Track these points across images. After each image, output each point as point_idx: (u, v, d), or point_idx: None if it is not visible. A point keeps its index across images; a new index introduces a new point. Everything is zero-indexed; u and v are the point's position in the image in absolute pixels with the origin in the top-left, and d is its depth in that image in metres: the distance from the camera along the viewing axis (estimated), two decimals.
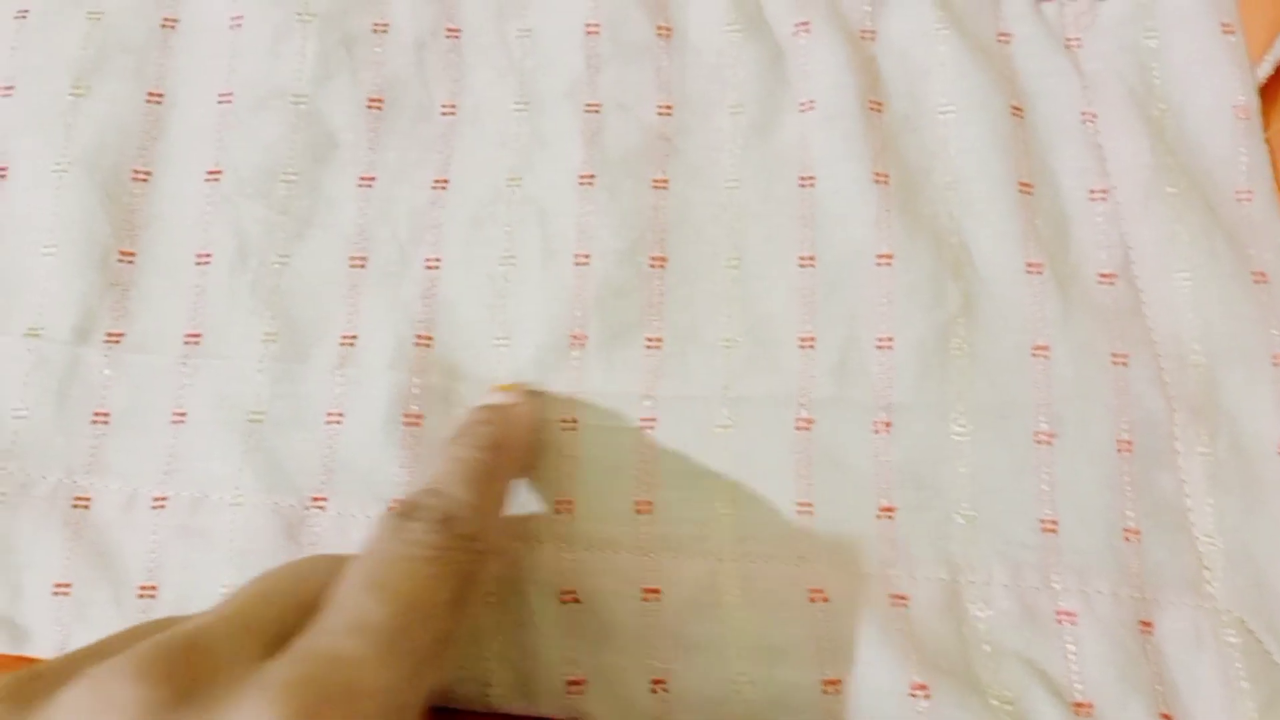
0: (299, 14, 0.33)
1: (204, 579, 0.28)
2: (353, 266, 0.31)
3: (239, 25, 0.33)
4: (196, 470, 0.29)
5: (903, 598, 0.27)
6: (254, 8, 0.33)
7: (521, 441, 0.29)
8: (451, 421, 0.29)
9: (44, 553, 0.28)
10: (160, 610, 0.28)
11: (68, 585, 0.28)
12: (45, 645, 0.28)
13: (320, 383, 0.30)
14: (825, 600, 0.27)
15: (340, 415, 0.29)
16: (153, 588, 0.28)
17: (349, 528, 0.28)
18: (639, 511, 0.28)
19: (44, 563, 0.28)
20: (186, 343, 0.30)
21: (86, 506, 0.29)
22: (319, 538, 0.28)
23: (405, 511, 0.23)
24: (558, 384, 0.29)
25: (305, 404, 0.29)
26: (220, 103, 0.32)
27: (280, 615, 0.21)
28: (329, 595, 0.21)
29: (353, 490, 0.29)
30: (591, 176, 0.31)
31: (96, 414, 0.30)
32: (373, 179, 0.32)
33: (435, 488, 0.25)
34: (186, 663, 0.19)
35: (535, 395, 0.30)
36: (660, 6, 0.33)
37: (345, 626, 0.20)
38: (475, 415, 0.28)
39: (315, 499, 0.29)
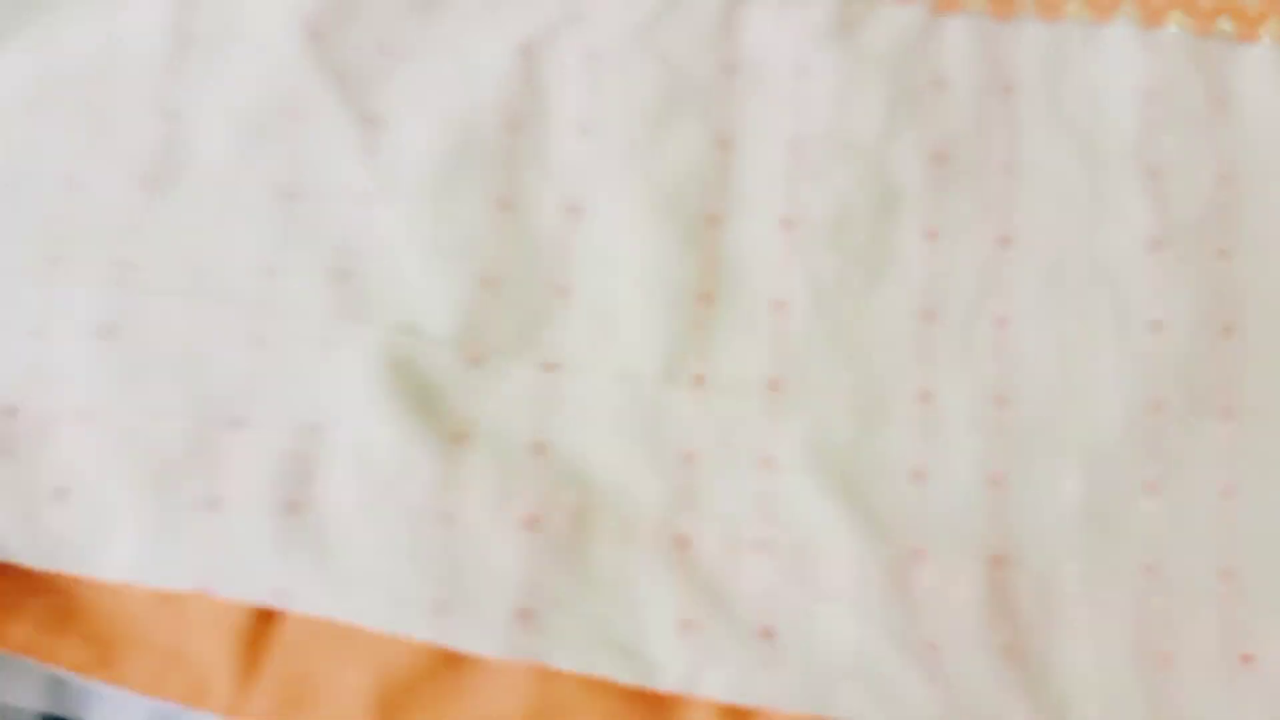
0: (859, 64, 0.33)
1: (823, 626, 0.29)
2: (922, 320, 0.31)
3: (804, 73, 0.33)
4: (794, 515, 0.30)
5: None
6: (818, 58, 0.33)
7: None
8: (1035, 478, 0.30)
9: (661, 589, 0.29)
10: (784, 654, 0.29)
11: (691, 622, 0.29)
12: (672, 679, 0.28)
13: (900, 439, 0.30)
14: None
15: (924, 473, 0.30)
16: (770, 631, 0.29)
17: (952, 582, 0.29)
18: None
19: (662, 599, 0.29)
20: (770, 388, 0.31)
21: (689, 545, 0.30)
22: (927, 592, 0.29)
23: None
24: (1136, 450, 0.30)
25: (887, 459, 0.30)
26: (788, 150, 0.32)
27: None
28: None
29: (951, 544, 0.29)
30: (1159, 241, 0.31)
31: (685, 453, 0.30)
32: (937, 232, 0.32)
33: None
34: None
35: None
36: (1215, 74, 0.33)
37: None
38: None
39: (916, 550, 0.29)
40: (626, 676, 0.29)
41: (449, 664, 0.29)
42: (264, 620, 0.30)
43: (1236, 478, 0.30)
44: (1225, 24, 0.33)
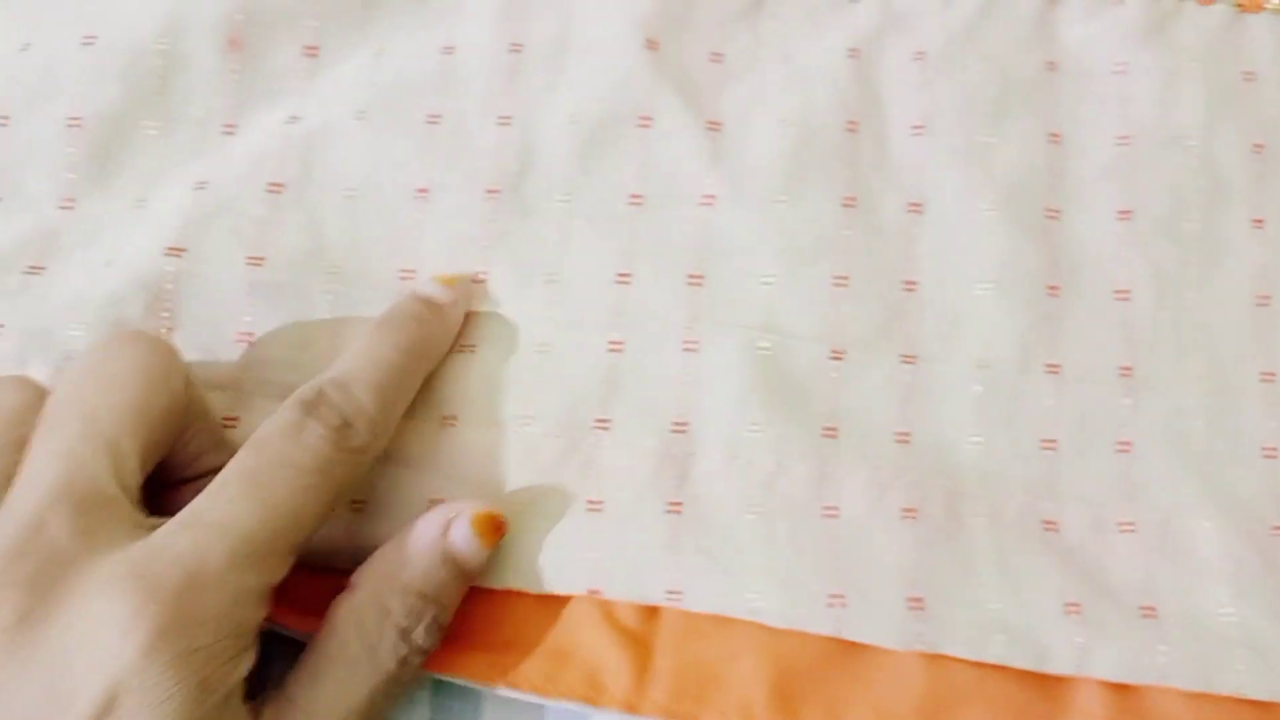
0: (1176, 60, 0.34)
1: (1201, 602, 0.30)
2: (1258, 304, 0.33)
3: (1124, 70, 0.34)
4: (1155, 496, 0.31)
5: None
6: (1136, 55, 0.34)
7: (444, 347, 0.29)
8: None
9: (1042, 573, 0.30)
10: (1169, 631, 0.30)
11: (1077, 604, 0.30)
12: (1064, 661, 0.29)
13: (1249, 418, 0.32)
14: None
15: (1275, 451, 0.31)
16: (1152, 609, 0.30)
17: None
18: None
19: (1045, 583, 0.30)
20: (1121, 374, 0.32)
21: (1055, 530, 0.31)
22: None
23: (310, 406, 0.25)
24: None
25: (1239, 438, 0.32)
26: (1117, 144, 0.34)
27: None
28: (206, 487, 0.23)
29: None
30: None
31: (1044, 441, 0.31)
32: (1264, 220, 0.33)
33: (344, 381, 0.26)
34: (34, 560, 0.21)
35: (469, 293, 0.30)
36: None
37: (212, 525, 0.22)
38: (409, 307, 0.29)
39: (1276, 527, 0.31)
40: (1019, 661, 0.29)
41: (842, 651, 0.29)
42: (647, 615, 0.30)
43: None
44: None
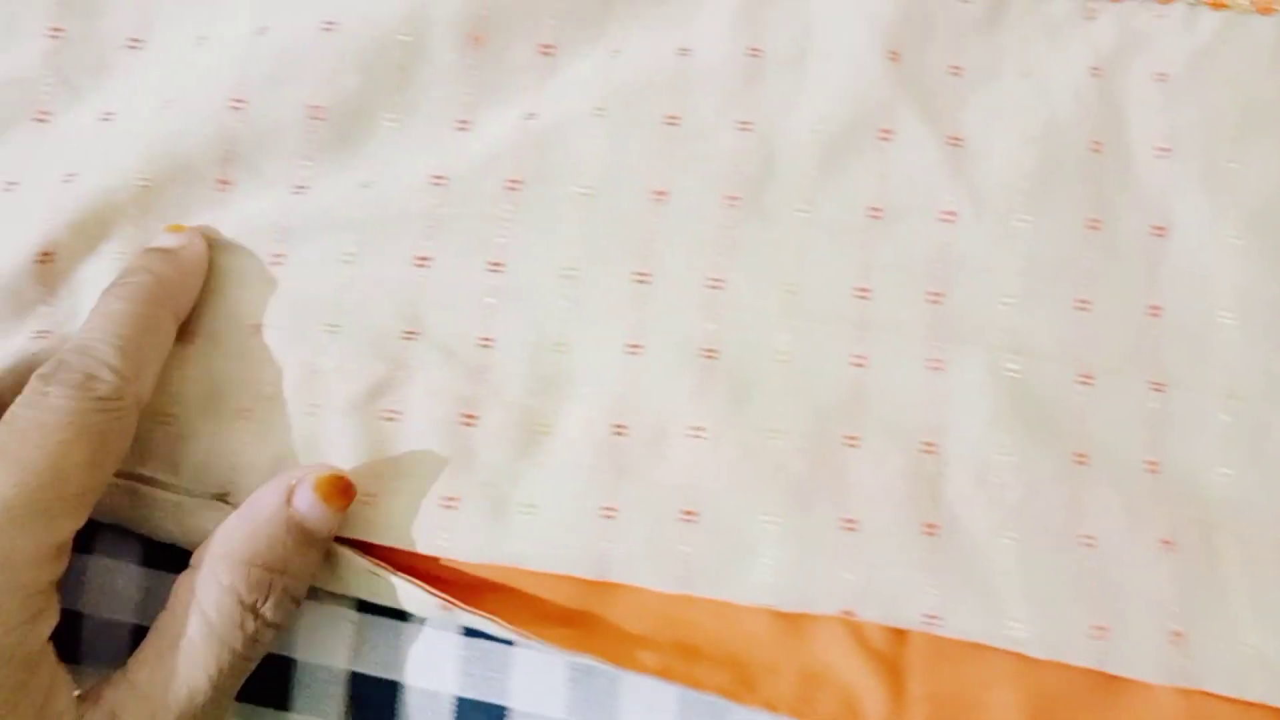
0: None
1: None
2: None
3: None
4: None
5: None
6: None
7: (188, 288, 0.29)
8: None
9: None
10: None
11: None
12: None
13: None
14: None
15: None
16: None
17: None
18: None
19: None
20: None
21: None
22: None
23: (47, 373, 0.24)
24: None
25: None
26: None
27: None
28: None
29: None
30: None
31: None
32: None
33: (83, 344, 0.25)
34: None
35: (205, 237, 0.30)
36: None
37: None
38: (137, 261, 0.28)
39: None
40: None
41: (1097, 684, 0.29)
42: (896, 639, 0.29)
43: None
44: None
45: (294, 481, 0.26)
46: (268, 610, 0.25)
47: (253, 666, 0.25)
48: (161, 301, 0.28)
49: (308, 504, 0.26)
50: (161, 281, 0.28)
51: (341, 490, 0.26)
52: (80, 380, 0.24)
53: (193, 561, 0.25)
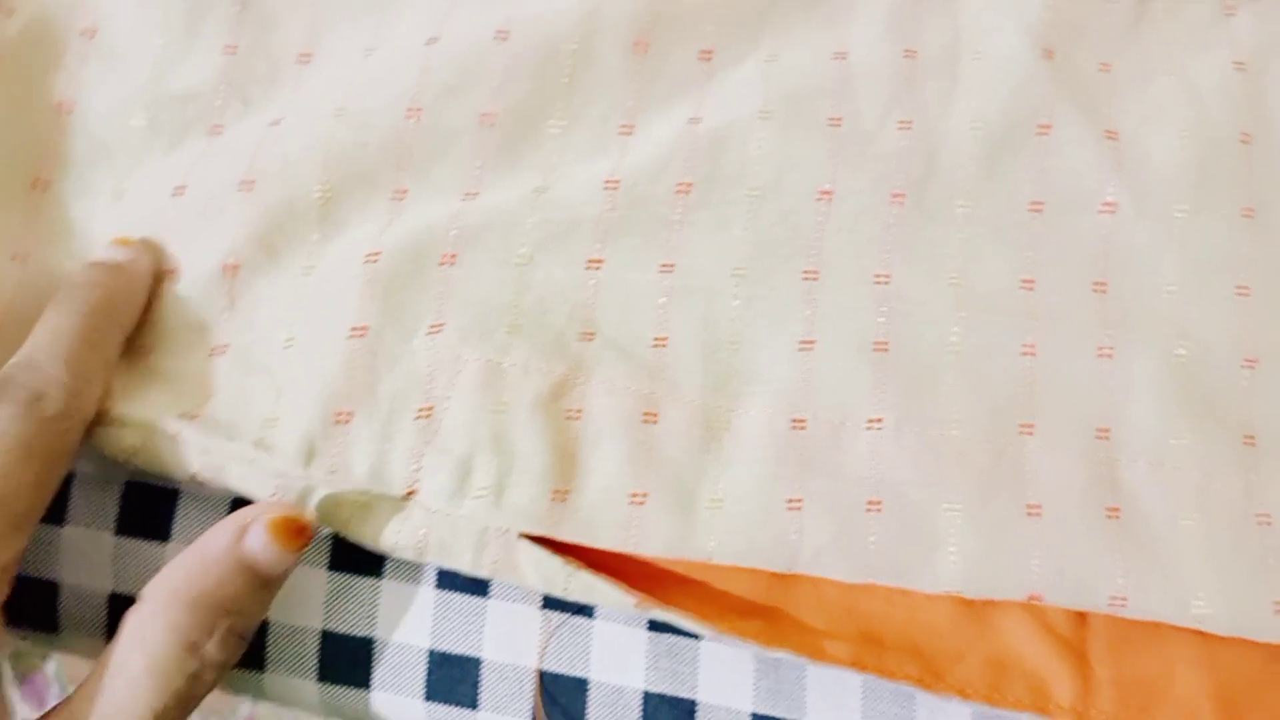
0: None
1: None
2: None
3: None
4: None
5: None
6: None
7: (134, 302, 0.29)
8: None
9: None
10: None
11: None
12: None
13: None
14: None
15: None
16: None
17: None
18: None
19: None
20: None
21: None
22: None
23: None
24: None
25: None
26: None
27: None
28: None
29: None
30: None
31: None
32: None
33: (29, 360, 0.25)
34: None
35: (152, 249, 0.30)
36: None
37: None
38: (83, 275, 0.28)
39: None
40: None
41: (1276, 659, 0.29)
42: (1078, 623, 0.30)
43: None
44: None
45: (247, 520, 0.25)
46: (211, 649, 0.24)
47: (197, 703, 0.24)
48: (109, 316, 0.28)
49: (260, 544, 0.25)
50: (109, 296, 0.28)
51: (296, 531, 0.26)
52: (28, 399, 0.24)
53: (141, 595, 0.25)
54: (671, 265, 0.31)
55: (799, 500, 0.29)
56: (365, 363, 0.29)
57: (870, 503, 0.29)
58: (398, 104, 0.32)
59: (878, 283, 0.32)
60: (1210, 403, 0.31)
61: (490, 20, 0.32)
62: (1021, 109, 0.33)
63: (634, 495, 0.29)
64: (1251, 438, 0.31)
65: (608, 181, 0.32)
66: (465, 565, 0.29)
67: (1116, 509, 0.30)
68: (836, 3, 0.34)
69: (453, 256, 0.31)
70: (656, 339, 0.31)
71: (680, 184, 0.32)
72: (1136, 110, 0.34)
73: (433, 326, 0.30)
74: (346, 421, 0.29)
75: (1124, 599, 0.29)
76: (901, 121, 0.33)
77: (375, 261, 0.30)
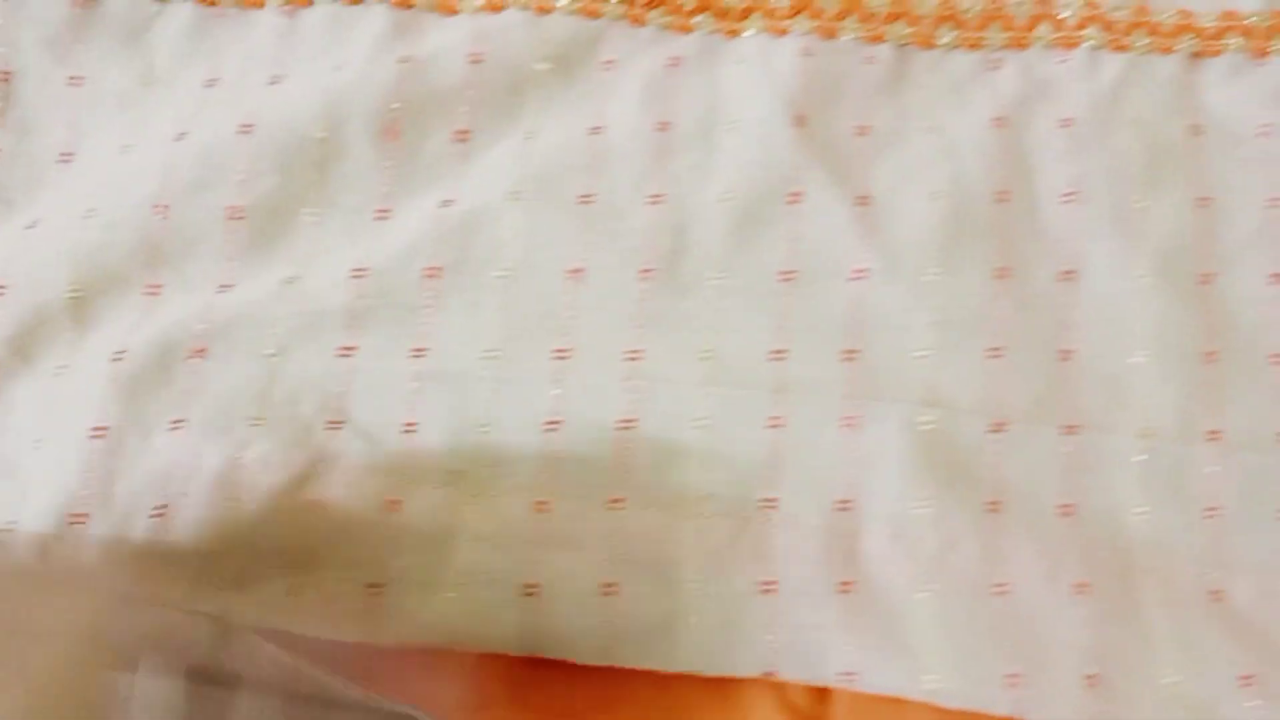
0: None
1: None
2: None
3: (1271, 133, 0.34)
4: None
5: None
6: None
7: None
8: None
9: (1215, 646, 0.30)
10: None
11: (1250, 676, 0.29)
12: None
13: None
14: None
15: None
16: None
17: None
18: None
19: (1219, 655, 0.30)
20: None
21: (1223, 600, 0.30)
22: None
23: None
24: None
25: None
26: (1266, 207, 0.33)
27: None
28: None
29: None
30: None
31: (1209, 509, 0.31)
32: None
33: None
34: None
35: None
36: None
37: None
38: None
39: None
40: None
41: None
42: (819, 697, 0.30)
43: None
44: None
45: None
46: None
47: None
48: None
49: None
50: None
51: None
52: None
53: None
54: (424, 350, 0.32)
55: (536, 585, 0.30)
56: (103, 464, 0.30)
57: (606, 585, 0.30)
58: (145, 202, 0.32)
59: (628, 359, 0.32)
60: (955, 469, 0.31)
61: (235, 115, 0.33)
62: (772, 179, 0.33)
63: (371, 585, 0.30)
64: (997, 503, 0.31)
65: (355, 270, 0.32)
66: (205, 656, 0.29)
67: (850, 583, 0.30)
68: (596, 75, 0.35)
69: (202, 351, 0.31)
70: (406, 425, 0.31)
71: (429, 269, 0.32)
72: (891, 171, 0.34)
73: (174, 423, 0.31)
74: (82, 523, 0.30)
75: (854, 673, 0.29)
76: (653, 196, 0.33)
77: (121, 360, 0.31)
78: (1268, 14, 0.35)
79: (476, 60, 0.34)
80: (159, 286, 0.32)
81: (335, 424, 0.31)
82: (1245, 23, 0.35)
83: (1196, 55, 0.35)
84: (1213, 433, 0.32)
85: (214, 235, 0.32)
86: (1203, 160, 0.34)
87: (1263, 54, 0.35)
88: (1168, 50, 0.35)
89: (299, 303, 0.32)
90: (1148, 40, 0.35)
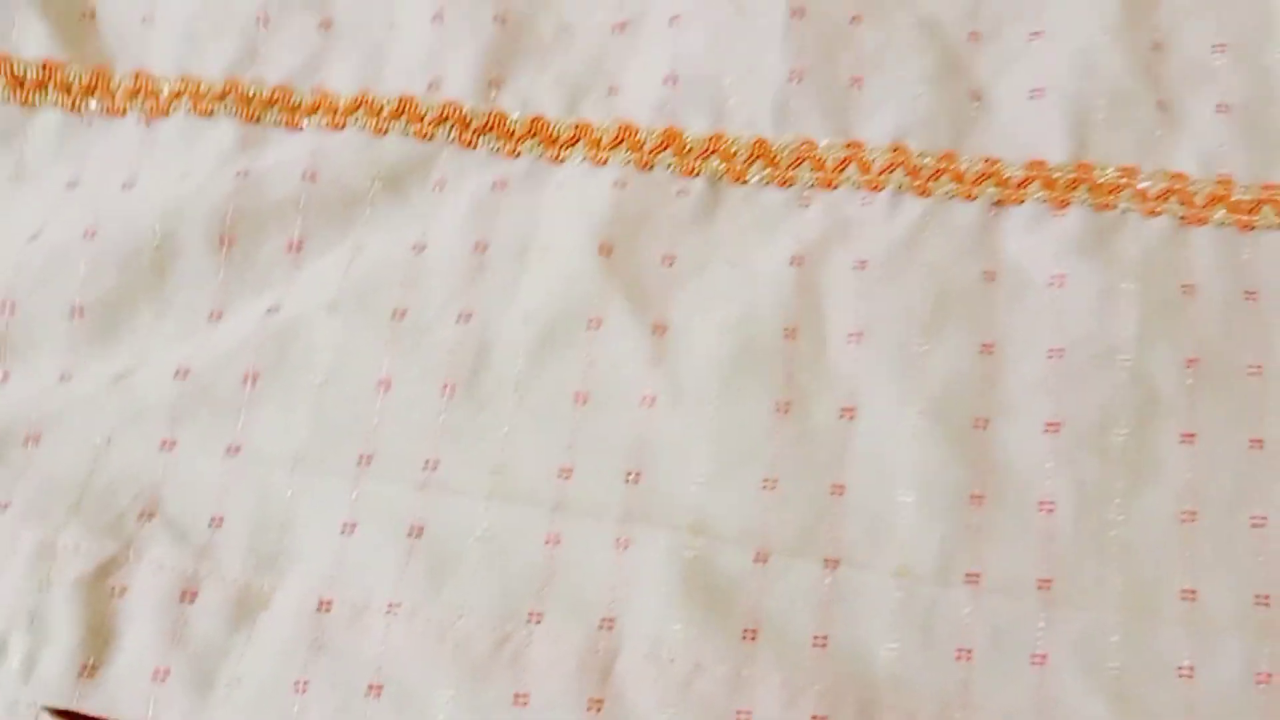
0: (1114, 273, 0.35)
1: None
2: (1182, 522, 0.33)
3: (1062, 281, 0.35)
4: (1067, 711, 0.31)
5: None
6: (1075, 267, 0.35)
7: None
8: None
9: None
10: None
11: None
12: None
13: (1168, 638, 0.32)
14: None
15: (1191, 670, 0.31)
16: None
17: None
18: None
19: None
20: (1039, 587, 0.32)
21: None
22: None
23: None
24: None
25: (1157, 657, 0.32)
26: (1049, 356, 0.34)
27: None
28: None
29: None
30: None
31: (959, 650, 0.32)
32: (1194, 436, 0.33)
33: None
34: None
35: None
36: None
37: None
38: None
39: None
40: None
41: None
42: None
43: None
44: None
45: None
46: None
47: None
48: None
49: None
50: None
51: None
52: None
53: None
54: (239, 448, 0.34)
55: (305, 681, 0.32)
56: None
57: (371, 686, 0.32)
58: None
59: (425, 469, 0.34)
60: (715, 596, 0.32)
61: (82, 219, 0.36)
62: (573, 303, 0.35)
63: (157, 671, 0.32)
64: (753, 632, 0.32)
65: (179, 369, 0.35)
66: None
67: (600, 700, 0.32)
68: (427, 195, 0.37)
69: (37, 437, 0.34)
70: (213, 518, 0.34)
71: (248, 372, 0.35)
72: (690, 301, 0.35)
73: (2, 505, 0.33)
74: None
75: None
76: (462, 313, 0.35)
77: None
78: (1071, 165, 0.36)
79: (312, 177, 0.36)
80: (7, 374, 0.35)
81: (149, 515, 0.34)
82: (1049, 174, 0.36)
83: (999, 203, 0.36)
84: (971, 575, 0.33)
85: (57, 329, 0.35)
86: (992, 307, 0.35)
87: (1063, 205, 0.36)
88: (970, 197, 0.36)
89: (128, 396, 0.35)
90: (951, 186, 0.36)
